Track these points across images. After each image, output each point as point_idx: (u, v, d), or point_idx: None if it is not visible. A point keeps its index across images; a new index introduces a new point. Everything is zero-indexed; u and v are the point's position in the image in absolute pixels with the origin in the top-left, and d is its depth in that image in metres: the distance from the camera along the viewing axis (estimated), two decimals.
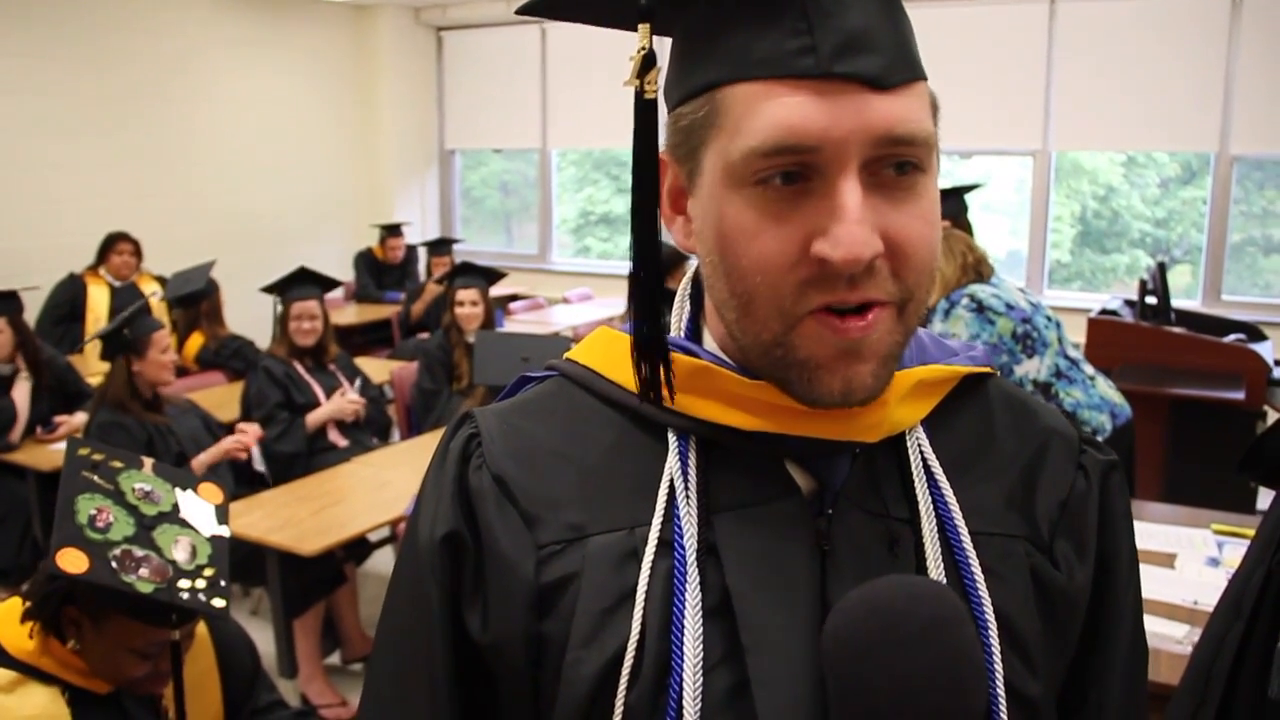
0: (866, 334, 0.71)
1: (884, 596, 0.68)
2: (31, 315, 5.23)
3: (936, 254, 0.74)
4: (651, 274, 0.76)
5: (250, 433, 3.97)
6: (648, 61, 0.71)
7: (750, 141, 0.69)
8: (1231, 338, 4.96)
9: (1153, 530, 2.91)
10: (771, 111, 0.68)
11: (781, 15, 0.69)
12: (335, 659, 3.93)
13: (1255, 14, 6.07)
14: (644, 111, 0.73)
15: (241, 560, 3.14)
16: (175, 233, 7.16)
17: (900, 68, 0.70)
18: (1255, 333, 5.15)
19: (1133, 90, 6.39)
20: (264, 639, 3.51)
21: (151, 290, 5.97)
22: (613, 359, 0.83)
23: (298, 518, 3.38)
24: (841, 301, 0.70)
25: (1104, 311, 5.32)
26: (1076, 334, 4.24)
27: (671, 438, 0.79)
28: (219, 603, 1.75)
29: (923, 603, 0.68)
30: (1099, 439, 3.51)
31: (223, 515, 1.91)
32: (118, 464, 1.82)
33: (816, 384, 0.72)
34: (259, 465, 4.10)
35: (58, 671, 1.73)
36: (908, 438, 0.80)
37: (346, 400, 4.38)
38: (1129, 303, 5.52)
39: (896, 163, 0.70)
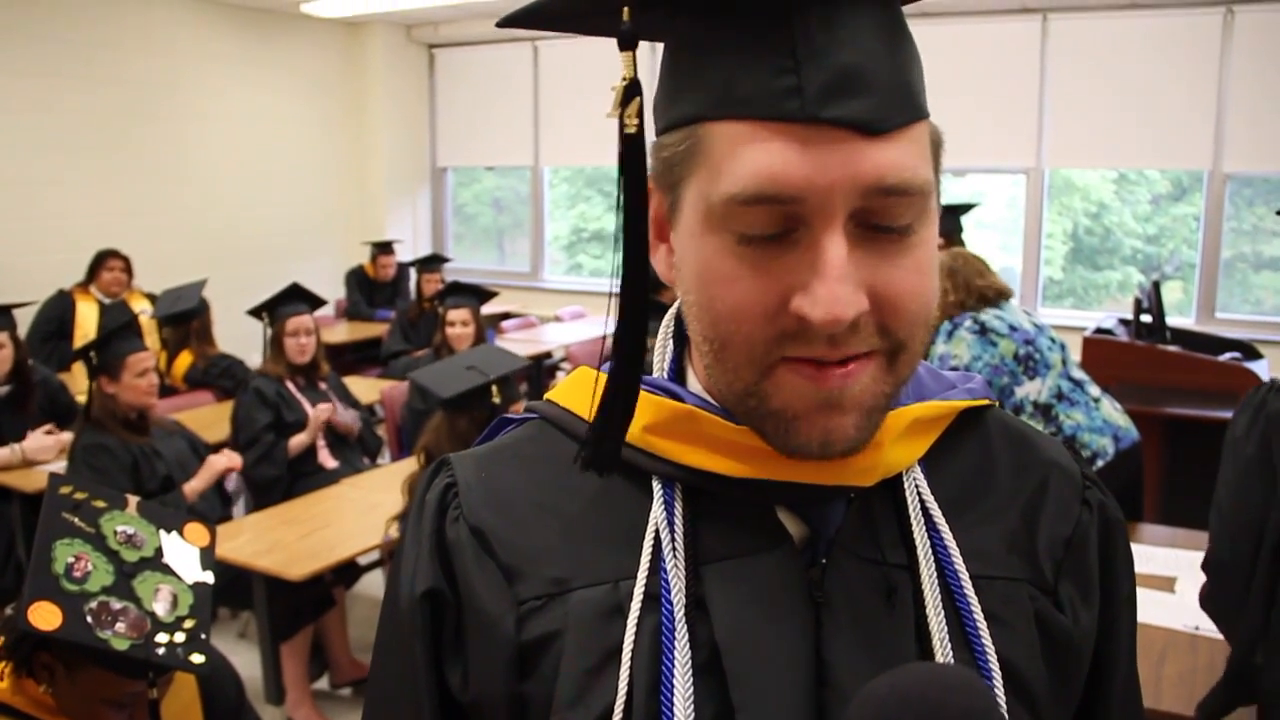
0: (847, 384, 0.66)
1: (914, 686, 0.63)
2: (20, 333, 5.18)
3: (932, 304, 0.69)
4: (638, 321, 0.70)
5: (233, 459, 3.92)
6: (630, 92, 0.65)
7: (730, 188, 0.64)
8: (1227, 356, 4.94)
9: (1152, 553, 2.88)
10: (752, 157, 0.63)
11: (769, 49, 0.64)
12: (323, 683, 3.88)
13: (1247, 32, 6.09)
14: (627, 146, 0.66)
15: (228, 584, 3.09)
16: (165, 250, 7.13)
17: (897, 110, 0.65)
18: (1250, 351, 5.14)
19: (1126, 108, 6.41)
20: (251, 663, 3.47)
21: (141, 308, 5.92)
22: (594, 402, 0.79)
23: (286, 541, 3.33)
24: (821, 357, 0.66)
25: (1099, 330, 5.31)
26: (1071, 352, 4.22)
27: (656, 486, 0.75)
28: (197, 658, 1.70)
29: (955, 693, 0.62)
30: (1101, 463, 3.47)
31: (208, 560, 1.86)
32: (100, 504, 1.77)
33: (793, 435, 0.68)
34: (230, 485, 4.03)
35: (31, 710, 1.69)
36: (904, 479, 0.76)
37: (320, 410, 4.32)
38: (1123, 321, 5.51)
39: (885, 222, 0.65)
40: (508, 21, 0.72)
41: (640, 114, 0.66)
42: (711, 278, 0.67)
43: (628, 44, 0.65)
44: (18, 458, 4.08)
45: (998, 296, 3.45)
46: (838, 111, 0.63)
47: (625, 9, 0.65)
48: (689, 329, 0.73)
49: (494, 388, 3.29)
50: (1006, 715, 0.71)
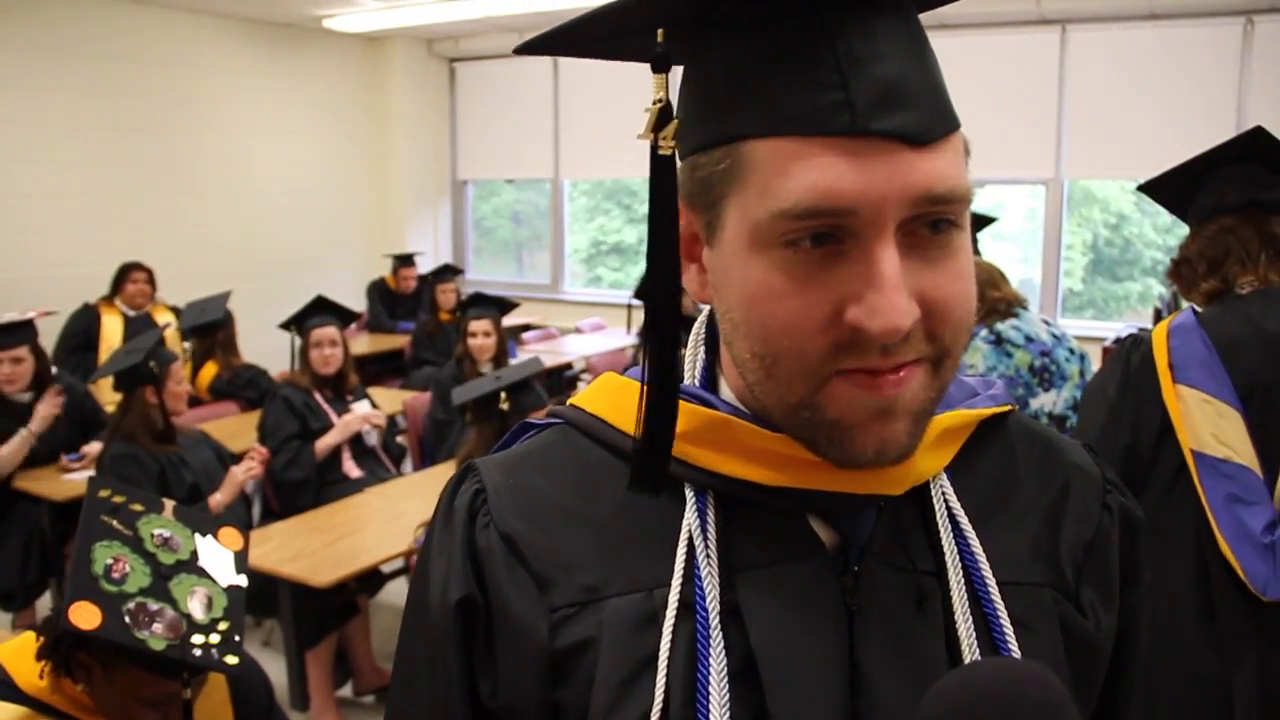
0: (900, 392, 0.67)
1: (989, 681, 0.63)
2: (50, 341, 5.26)
3: (973, 308, 0.70)
4: (669, 336, 0.71)
5: (259, 454, 3.96)
6: (664, 115, 0.66)
7: (781, 204, 0.64)
8: None
9: None
10: (804, 173, 0.63)
11: (812, 66, 0.64)
12: (347, 691, 3.91)
13: (1267, 41, 6.07)
14: (660, 167, 0.67)
15: (254, 591, 3.12)
16: (187, 263, 7.19)
17: (938, 120, 0.66)
18: None
19: (1145, 118, 6.39)
20: (276, 670, 3.50)
21: (164, 320, 5.98)
22: (621, 407, 0.79)
23: (311, 549, 3.37)
24: (874, 367, 0.66)
25: (1118, 340, 5.29)
26: (1092, 364, 4.21)
27: (689, 493, 0.75)
28: (231, 660, 1.73)
29: (1030, 687, 0.62)
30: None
31: (241, 563, 1.90)
32: (138, 507, 1.81)
33: (849, 445, 0.68)
34: (248, 488, 4.07)
35: (69, 709, 1.72)
36: (932, 487, 0.77)
37: (354, 417, 4.38)
38: (1143, 331, 5.50)
39: (932, 221, 0.66)
40: (527, 48, 0.73)
41: (674, 137, 0.67)
42: (761, 295, 0.67)
43: (662, 67, 0.66)
44: (29, 436, 4.18)
45: (1008, 308, 3.44)
46: (886, 124, 0.63)
47: (660, 31, 0.66)
48: (731, 347, 0.73)
49: (503, 394, 3.33)
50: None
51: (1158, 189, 2.34)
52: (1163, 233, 7.12)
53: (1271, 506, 2.02)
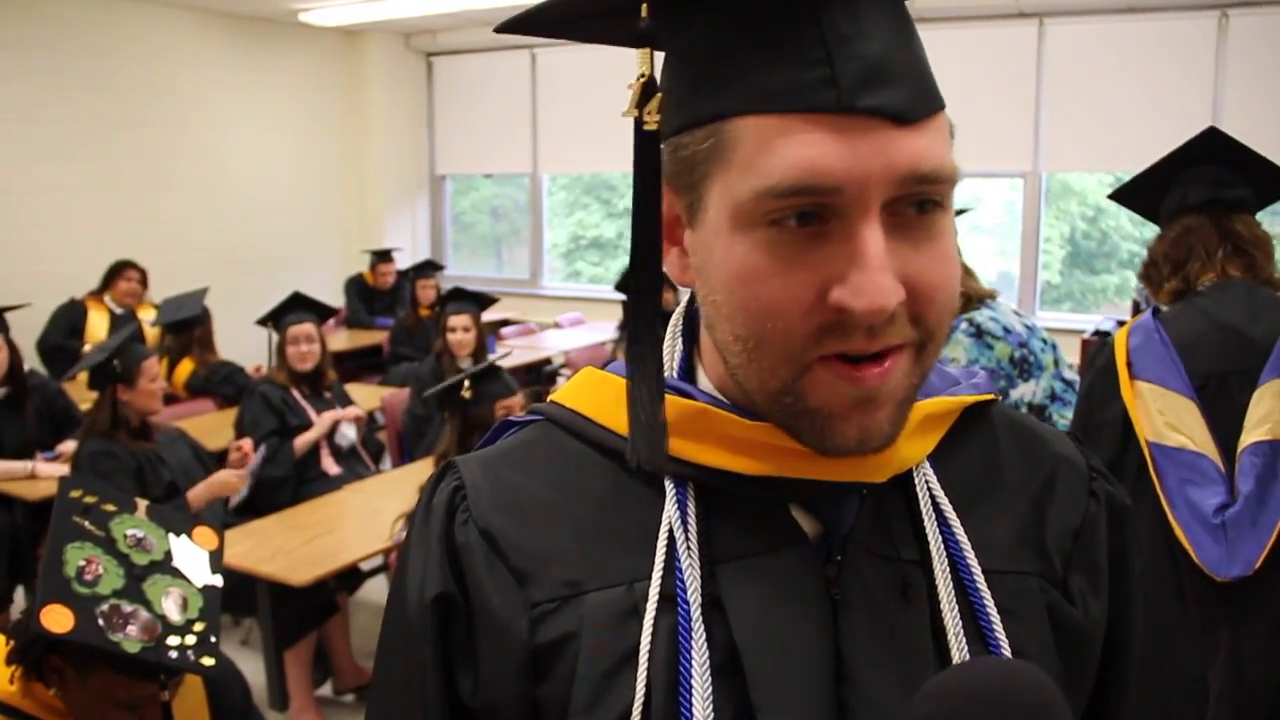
0: (884, 381, 0.66)
1: (983, 682, 0.63)
2: (29, 339, 5.20)
3: (957, 293, 0.69)
4: (652, 312, 0.70)
5: (245, 447, 3.92)
6: (648, 89, 0.66)
7: (765, 181, 0.63)
8: None
9: None
10: (788, 150, 0.63)
11: (797, 42, 0.64)
12: (327, 689, 3.88)
13: (1242, 35, 6.11)
14: (645, 143, 0.67)
15: (231, 590, 3.09)
16: (164, 259, 7.11)
17: (923, 100, 0.66)
18: None
19: (1122, 111, 6.42)
20: (254, 670, 3.47)
21: (148, 317, 5.93)
22: (601, 403, 0.79)
23: (289, 547, 3.34)
24: (859, 350, 0.65)
25: (1097, 332, 5.33)
26: (1069, 355, 4.23)
27: (668, 485, 0.74)
28: (208, 661, 1.71)
29: (1026, 690, 0.61)
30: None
31: (216, 563, 1.88)
32: (110, 508, 1.78)
33: (830, 433, 0.68)
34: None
35: (40, 714, 1.70)
36: (915, 475, 0.77)
37: (332, 412, 4.36)
38: (1121, 324, 5.53)
39: (918, 201, 0.65)
40: (508, 26, 0.72)
41: (658, 111, 0.66)
42: (745, 276, 0.66)
43: (646, 42, 0.65)
44: (27, 472, 4.09)
45: (980, 300, 3.43)
46: (872, 101, 0.63)
47: (644, 6, 0.65)
48: (713, 330, 0.72)
49: (465, 383, 3.31)
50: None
51: (1127, 195, 2.43)
52: (1139, 225, 7.15)
53: (1225, 489, 2.08)
